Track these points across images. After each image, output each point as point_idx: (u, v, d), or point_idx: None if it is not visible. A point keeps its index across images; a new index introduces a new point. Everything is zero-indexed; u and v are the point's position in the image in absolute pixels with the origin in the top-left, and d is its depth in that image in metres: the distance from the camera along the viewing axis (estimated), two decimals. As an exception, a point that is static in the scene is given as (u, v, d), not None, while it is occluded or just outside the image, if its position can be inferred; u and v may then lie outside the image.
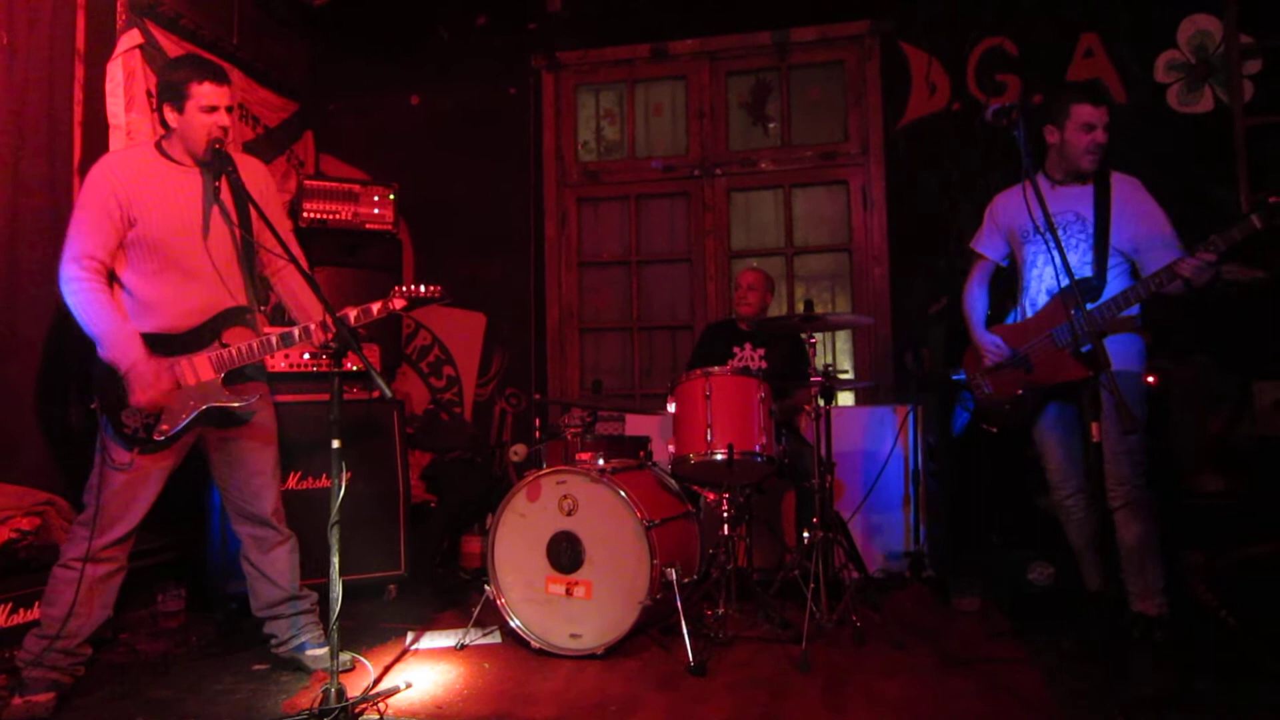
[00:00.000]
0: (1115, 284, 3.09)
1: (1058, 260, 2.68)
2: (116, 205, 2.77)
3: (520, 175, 5.48)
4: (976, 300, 3.47)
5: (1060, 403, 3.23)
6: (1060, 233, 3.13)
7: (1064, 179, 3.24)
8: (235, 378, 2.89)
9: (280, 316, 3.40)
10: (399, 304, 2.93)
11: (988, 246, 3.47)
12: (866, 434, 4.46)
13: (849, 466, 4.39)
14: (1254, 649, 3.04)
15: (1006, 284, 3.51)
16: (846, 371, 5.07)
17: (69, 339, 3.07)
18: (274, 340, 2.87)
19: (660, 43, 5.34)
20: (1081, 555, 3.29)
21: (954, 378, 4.20)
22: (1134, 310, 3.02)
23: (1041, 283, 3.26)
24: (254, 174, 3.03)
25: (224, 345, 2.86)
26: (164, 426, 2.78)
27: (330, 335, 2.82)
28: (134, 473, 2.80)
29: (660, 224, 5.51)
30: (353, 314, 2.88)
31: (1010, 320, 3.39)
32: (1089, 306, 2.96)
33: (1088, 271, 3.12)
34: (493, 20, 5.56)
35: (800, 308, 3.98)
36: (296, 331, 2.88)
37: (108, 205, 2.77)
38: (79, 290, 2.72)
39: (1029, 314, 3.29)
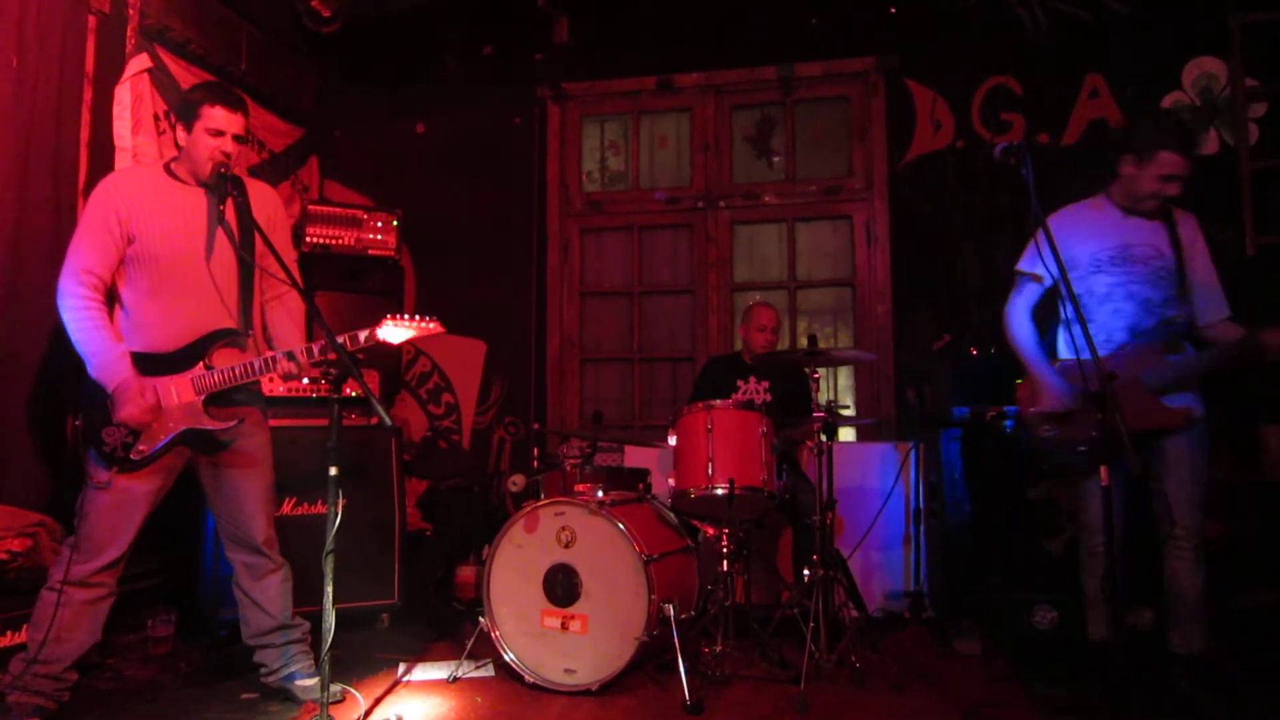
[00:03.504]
0: (1185, 326, 3.04)
1: (1147, 295, 2.76)
2: (117, 221, 2.77)
3: (524, 204, 5.50)
4: (1030, 330, 3.15)
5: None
6: (1142, 266, 3.02)
7: (1132, 209, 3.08)
8: (222, 400, 2.85)
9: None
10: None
11: (1042, 268, 3.08)
12: (868, 471, 4.43)
13: (849, 503, 4.34)
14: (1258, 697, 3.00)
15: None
16: (848, 407, 5.03)
17: (66, 360, 3.05)
18: (258, 365, 2.81)
19: (666, 75, 5.37)
20: (1095, 604, 3.11)
21: (956, 414, 4.18)
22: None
23: (1120, 318, 3.04)
24: (263, 199, 3.03)
25: (209, 368, 2.82)
26: (141, 446, 2.74)
27: (329, 355, 2.77)
28: (117, 494, 2.76)
29: (663, 255, 5.52)
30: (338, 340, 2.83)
31: (1066, 354, 3.11)
32: (1183, 355, 2.93)
33: (1172, 312, 3.01)
34: (499, 50, 5.60)
35: (803, 342, 3.96)
36: (283, 356, 2.83)
37: (108, 221, 2.77)
38: (75, 308, 2.71)
39: (1102, 351, 2.96)
